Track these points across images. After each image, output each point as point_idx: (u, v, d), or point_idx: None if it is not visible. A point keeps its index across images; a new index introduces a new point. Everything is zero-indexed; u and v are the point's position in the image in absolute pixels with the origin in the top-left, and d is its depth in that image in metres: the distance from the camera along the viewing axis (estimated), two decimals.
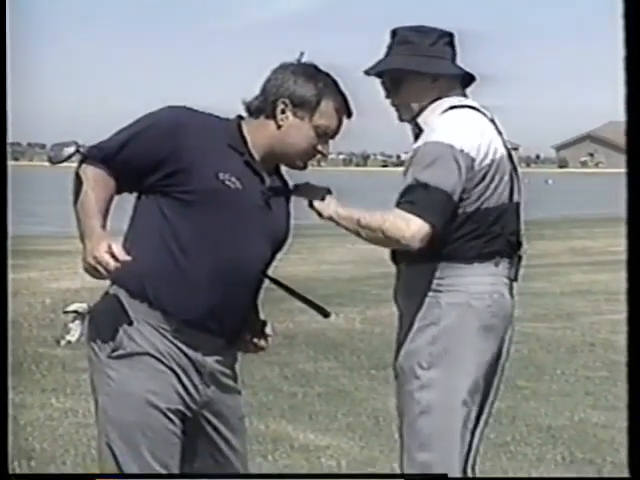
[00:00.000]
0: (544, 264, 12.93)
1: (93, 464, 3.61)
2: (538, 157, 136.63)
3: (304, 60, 2.76)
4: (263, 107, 2.73)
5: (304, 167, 2.80)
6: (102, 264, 2.48)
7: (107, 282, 2.67)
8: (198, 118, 2.70)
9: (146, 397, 2.61)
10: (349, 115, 2.78)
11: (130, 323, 2.63)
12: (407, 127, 3.11)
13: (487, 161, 2.93)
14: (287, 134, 2.72)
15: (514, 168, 3.04)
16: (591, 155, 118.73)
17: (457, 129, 2.91)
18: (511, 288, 3.04)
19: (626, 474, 4.60)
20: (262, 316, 2.86)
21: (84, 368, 2.97)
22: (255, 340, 2.85)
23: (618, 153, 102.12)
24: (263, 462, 4.53)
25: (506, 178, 2.98)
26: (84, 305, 2.73)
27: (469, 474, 3.04)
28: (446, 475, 2.91)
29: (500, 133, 3.02)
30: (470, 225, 2.93)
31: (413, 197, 2.86)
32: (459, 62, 3.06)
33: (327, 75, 2.76)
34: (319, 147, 2.75)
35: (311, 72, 2.73)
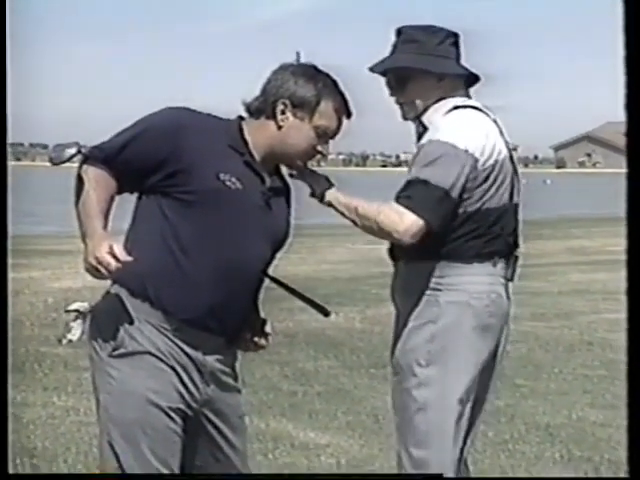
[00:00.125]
0: (542, 264, 12.95)
1: (94, 462, 3.62)
2: (536, 157, 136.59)
3: (302, 60, 2.77)
4: (263, 108, 2.73)
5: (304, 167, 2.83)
6: (103, 264, 2.49)
7: (108, 281, 2.67)
8: (199, 119, 2.71)
9: (147, 396, 2.62)
10: (349, 115, 2.79)
11: (131, 322, 2.64)
12: (406, 127, 3.12)
13: (491, 162, 2.94)
14: (287, 134, 2.72)
15: (514, 169, 3.06)
16: (589, 155, 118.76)
17: (462, 129, 2.93)
18: (507, 288, 3.05)
19: (624, 472, 4.61)
20: (262, 315, 2.87)
21: (86, 367, 2.98)
22: (255, 339, 2.86)
23: (616, 153, 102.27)
24: (263, 460, 4.53)
25: (508, 179, 3.00)
26: (85, 304, 2.74)
27: (462, 469, 3.06)
28: (443, 475, 2.93)
29: (502, 134, 3.04)
30: (471, 225, 2.95)
31: (411, 192, 2.88)
32: (462, 62, 3.07)
33: (327, 76, 2.76)
34: (319, 147, 2.76)
35: (311, 73, 2.74)
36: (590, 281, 11.64)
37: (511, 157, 3.04)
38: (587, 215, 27.45)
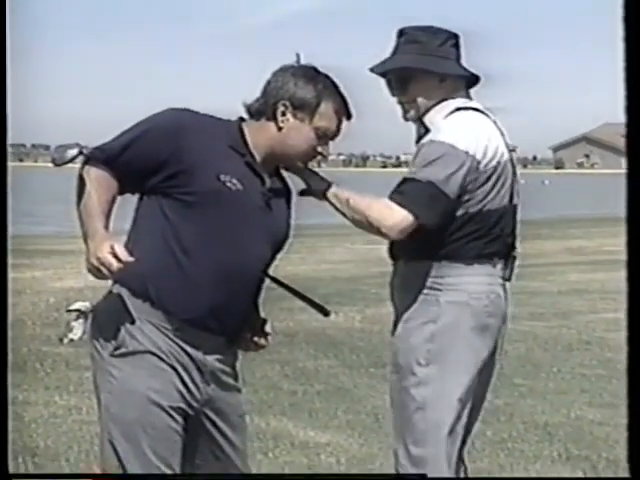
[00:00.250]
0: (541, 263, 12.96)
1: (96, 461, 3.63)
2: (535, 158, 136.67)
3: (302, 62, 2.78)
4: (264, 109, 2.74)
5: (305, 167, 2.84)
6: (105, 265, 2.50)
7: (110, 281, 2.68)
8: (199, 120, 2.72)
9: (148, 395, 2.63)
10: (349, 117, 2.79)
11: (132, 322, 2.65)
12: (406, 129, 3.13)
13: (493, 163, 2.96)
14: (287, 136, 2.73)
15: (513, 171, 3.07)
16: (587, 156, 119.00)
17: (463, 130, 2.94)
18: (505, 288, 3.07)
19: (621, 471, 4.65)
20: (262, 315, 2.88)
21: (87, 366, 2.99)
22: (255, 339, 2.87)
23: (614, 154, 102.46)
24: (263, 459, 4.55)
25: (509, 181, 3.02)
26: (87, 304, 2.75)
27: (460, 467, 3.08)
28: (442, 475, 2.95)
29: (503, 136, 3.05)
30: (472, 226, 2.97)
31: (404, 189, 2.90)
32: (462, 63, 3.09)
33: (327, 77, 2.77)
34: (319, 148, 2.77)
35: (311, 74, 2.75)
36: (588, 281, 11.66)
37: (511, 159, 3.06)
38: (586, 215, 27.47)
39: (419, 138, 3.06)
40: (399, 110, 3.10)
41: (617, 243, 15.17)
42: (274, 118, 2.74)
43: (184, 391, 2.67)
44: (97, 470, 2.80)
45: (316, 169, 3.00)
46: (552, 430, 5.18)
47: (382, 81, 3.12)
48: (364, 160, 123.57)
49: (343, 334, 7.82)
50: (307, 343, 7.39)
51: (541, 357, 7.07)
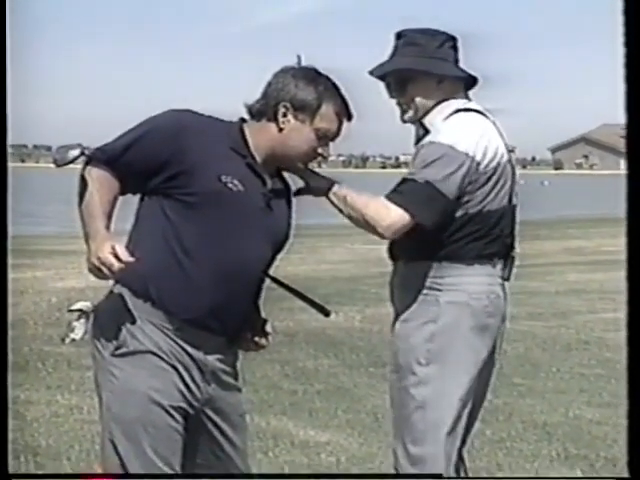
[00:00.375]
0: (540, 264, 12.98)
1: (97, 460, 3.65)
2: (534, 159, 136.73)
3: (303, 63, 2.79)
4: (265, 110, 2.75)
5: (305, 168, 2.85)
6: (106, 265, 2.51)
7: (111, 282, 2.69)
8: (201, 121, 2.73)
9: (149, 394, 2.64)
10: (349, 118, 2.81)
11: (133, 322, 2.66)
12: (406, 130, 3.14)
13: (493, 164, 2.97)
14: (288, 137, 2.74)
15: (512, 171, 3.09)
16: (586, 157, 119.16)
17: (463, 132, 2.96)
18: (504, 288, 3.08)
19: (619, 470, 4.67)
20: (263, 315, 2.89)
21: (88, 366, 3.00)
22: (256, 339, 2.88)
23: (612, 155, 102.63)
24: (264, 458, 4.56)
25: (508, 182, 3.04)
26: (88, 304, 2.76)
27: (459, 465, 3.09)
28: (442, 474, 2.96)
29: (502, 137, 3.07)
30: (472, 226, 2.98)
31: (402, 189, 2.91)
32: (460, 65, 3.10)
33: (327, 78, 2.79)
34: (320, 149, 2.78)
35: (312, 76, 2.76)
36: (587, 281, 11.68)
37: (510, 159, 3.07)
38: (584, 216, 27.48)
39: (418, 140, 3.07)
40: (398, 111, 3.11)
41: (616, 243, 15.21)
42: (275, 119, 2.75)
43: (185, 391, 2.68)
44: (98, 470, 2.82)
45: (316, 169, 3.01)
46: (551, 429, 5.20)
47: (382, 83, 3.14)
48: (364, 161, 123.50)
49: (343, 334, 7.83)
50: (307, 343, 7.40)
51: (540, 357, 7.08)
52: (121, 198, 2.72)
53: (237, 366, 2.83)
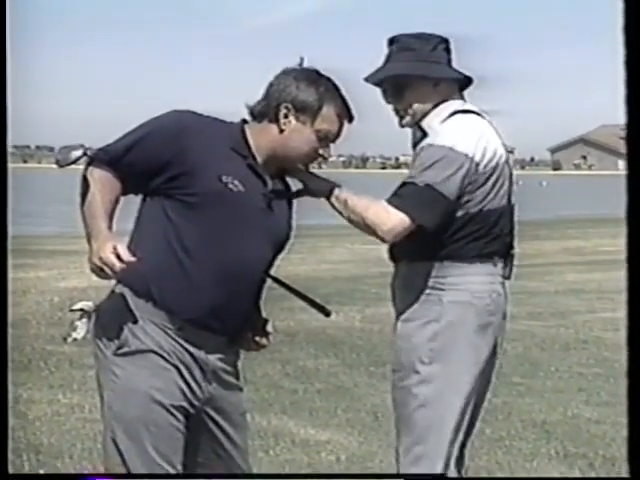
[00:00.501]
0: (539, 264, 12.98)
1: (99, 458, 3.67)
2: (533, 159, 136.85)
3: (305, 65, 2.80)
4: (266, 111, 2.77)
5: (306, 170, 2.86)
6: (108, 264, 2.52)
7: (113, 281, 2.70)
8: (202, 122, 2.75)
9: (150, 393, 2.65)
10: (350, 119, 2.82)
11: (135, 321, 2.67)
12: (406, 130, 3.15)
13: (492, 164, 2.99)
14: (289, 138, 2.76)
15: (510, 172, 3.11)
16: (584, 158, 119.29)
17: (461, 133, 2.97)
18: (505, 286, 3.10)
19: (618, 468, 4.69)
20: (264, 315, 2.90)
21: (90, 365, 3.01)
22: (257, 338, 2.89)
23: (610, 155, 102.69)
24: (264, 457, 4.57)
25: (507, 182, 3.05)
26: (90, 303, 2.77)
27: (460, 463, 3.11)
28: (444, 474, 2.97)
29: (499, 137, 3.08)
30: (473, 226, 3.00)
31: (402, 192, 2.93)
32: (456, 66, 3.12)
33: (328, 80, 2.80)
34: (320, 150, 2.79)
35: (313, 77, 2.78)
36: (586, 281, 11.69)
37: (507, 160, 3.09)
38: (583, 216, 27.50)
39: (415, 142, 3.08)
40: (396, 116, 3.13)
41: (614, 243, 15.21)
42: (276, 120, 2.76)
43: (186, 390, 2.69)
44: (101, 469, 2.83)
45: (317, 171, 3.03)
46: (549, 428, 5.21)
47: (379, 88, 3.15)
48: (364, 161, 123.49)
49: (343, 333, 7.85)
50: (307, 342, 7.42)
51: (539, 356, 7.10)
52: (123, 198, 2.72)
53: (238, 365, 2.84)
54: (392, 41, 3.10)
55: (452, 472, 3.03)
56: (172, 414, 2.66)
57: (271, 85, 2.79)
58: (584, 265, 13.63)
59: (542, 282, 11.36)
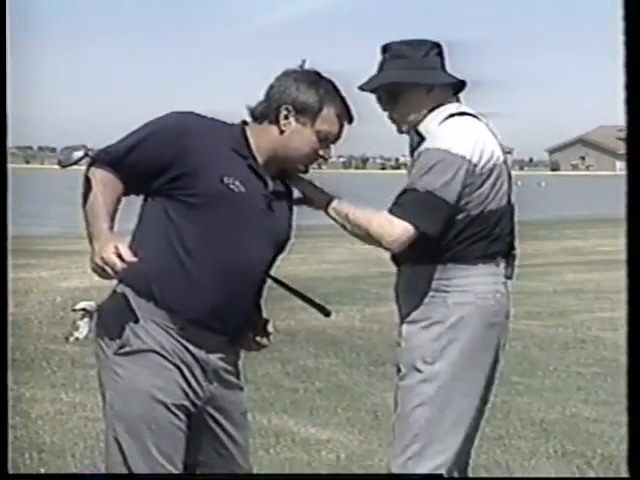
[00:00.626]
0: (538, 264, 12.97)
1: (101, 457, 3.68)
2: (531, 160, 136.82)
3: (306, 67, 2.82)
4: (267, 113, 2.78)
5: (306, 171, 2.87)
6: (109, 264, 2.53)
7: (114, 281, 2.72)
8: (203, 123, 2.76)
9: (151, 393, 2.66)
10: (350, 120, 2.83)
11: (136, 321, 2.69)
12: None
13: (489, 165, 3.00)
14: (290, 139, 2.77)
15: (508, 172, 3.11)
16: (582, 158, 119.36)
17: (458, 136, 2.98)
18: (507, 286, 3.11)
19: (615, 467, 4.71)
20: (264, 315, 2.91)
21: (92, 364, 3.02)
22: (257, 338, 2.90)
23: (608, 156, 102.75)
24: (265, 455, 4.59)
25: (506, 183, 3.06)
26: (92, 303, 2.79)
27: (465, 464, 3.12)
28: (442, 475, 2.97)
29: (496, 138, 3.09)
30: (474, 228, 3.01)
31: (404, 200, 2.94)
32: (453, 70, 3.13)
33: (329, 82, 2.81)
34: (321, 152, 2.81)
35: (313, 79, 2.79)
36: (584, 281, 11.69)
37: (505, 160, 3.09)
38: (581, 216, 27.50)
39: (414, 147, 3.08)
40: (392, 123, 3.12)
41: (612, 243, 15.19)
42: (277, 122, 2.77)
43: (187, 389, 2.71)
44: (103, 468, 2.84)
45: (315, 180, 3.03)
46: (548, 427, 5.23)
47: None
48: (364, 162, 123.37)
49: (343, 333, 7.86)
50: (308, 342, 7.43)
51: (537, 355, 7.12)
52: (124, 199, 2.74)
53: (239, 365, 2.86)
54: (384, 49, 3.11)
55: (453, 471, 3.03)
56: (173, 413, 2.67)
57: (272, 87, 2.81)
58: (582, 265, 13.62)
59: (541, 282, 11.36)
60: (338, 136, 2.83)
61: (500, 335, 3.08)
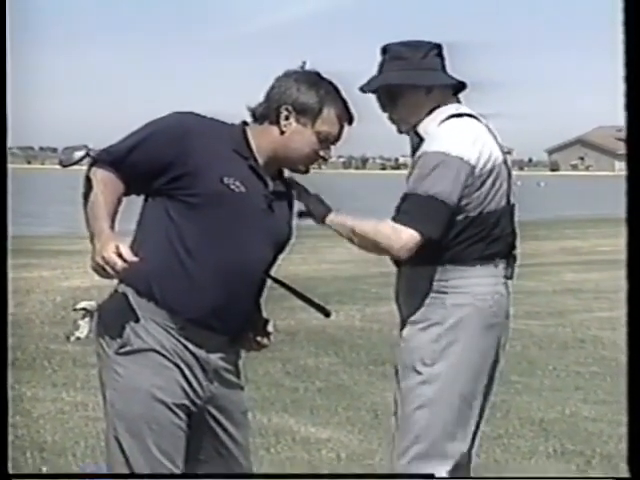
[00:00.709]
0: (537, 263, 12.97)
1: (102, 456, 3.70)
2: (531, 160, 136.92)
3: (307, 68, 2.82)
4: (267, 113, 2.79)
5: (306, 171, 2.88)
6: (110, 264, 2.54)
7: (115, 281, 2.72)
8: (204, 123, 2.77)
9: (152, 392, 2.66)
10: (350, 121, 2.84)
11: (137, 320, 2.69)
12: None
13: (488, 167, 3.00)
14: (290, 140, 2.78)
15: (508, 172, 3.11)
16: (581, 159, 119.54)
17: (456, 137, 2.98)
18: (507, 286, 3.11)
19: (614, 465, 4.73)
20: (265, 315, 2.92)
21: (93, 364, 3.03)
22: (258, 338, 2.91)
23: (607, 156, 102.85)
24: (266, 455, 4.60)
25: (505, 183, 3.06)
26: (93, 303, 2.80)
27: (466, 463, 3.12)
28: (443, 475, 2.98)
29: (496, 139, 3.09)
30: (473, 229, 3.01)
31: (406, 207, 2.94)
32: (453, 71, 3.14)
33: (329, 82, 2.82)
34: (321, 152, 2.82)
35: (313, 80, 2.80)
36: (583, 280, 11.69)
37: (505, 160, 3.10)
38: (580, 216, 27.52)
39: (414, 148, 3.09)
40: (392, 124, 3.13)
41: (611, 243, 15.16)
42: (277, 122, 2.78)
43: (187, 388, 2.71)
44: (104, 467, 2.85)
45: (319, 195, 3.04)
46: (547, 426, 5.24)
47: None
48: (363, 162, 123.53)
49: (343, 332, 7.87)
50: (308, 341, 7.44)
51: (537, 355, 7.13)
52: (125, 199, 2.75)
53: (239, 364, 2.86)
54: (384, 50, 3.11)
55: (454, 471, 3.04)
56: (174, 412, 2.68)
57: (272, 87, 2.81)
58: (581, 265, 13.63)
59: (540, 282, 11.36)
60: (338, 137, 2.84)
61: (500, 336, 3.09)
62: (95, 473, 3.50)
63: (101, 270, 2.57)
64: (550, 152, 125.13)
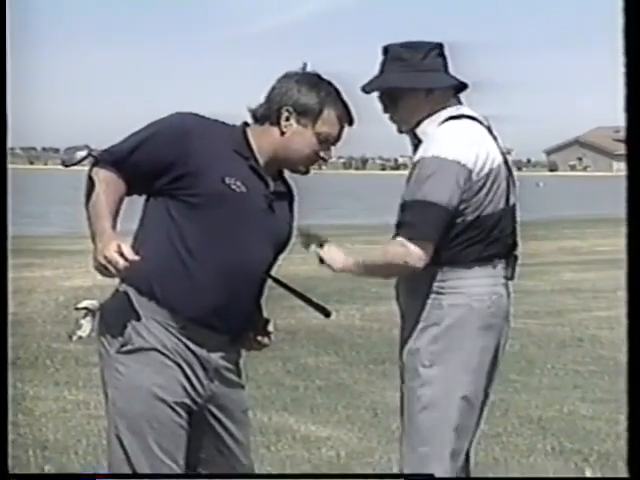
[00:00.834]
0: (536, 263, 12.96)
1: (103, 454, 3.71)
2: (529, 161, 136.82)
3: (308, 69, 2.84)
4: (268, 114, 2.80)
5: (307, 172, 2.89)
6: (112, 263, 2.54)
7: (117, 280, 2.74)
8: (205, 124, 2.78)
9: (153, 390, 2.67)
10: (350, 122, 2.85)
11: (138, 320, 2.70)
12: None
13: (485, 170, 2.99)
14: (291, 140, 2.79)
15: (509, 172, 3.11)
16: (579, 159, 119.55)
17: (454, 141, 2.97)
18: (507, 287, 3.11)
19: (612, 463, 4.75)
20: (265, 314, 2.93)
21: (95, 362, 3.02)
22: (258, 338, 2.92)
23: (605, 157, 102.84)
24: (266, 453, 4.62)
25: (503, 184, 3.05)
26: (95, 302, 2.80)
27: (464, 463, 3.13)
28: (442, 475, 2.99)
29: (496, 140, 3.09)
30: (470, 232, 3.01)
31: (410, 219, 2.94)
32: (453, 71, 3.13)
33: (329, 84, 2.83)
34: (321, 153, 2.83)
35: (314, 81, 2.82)
36: (581, 280, 11.69)
37: (506, 161, 3.09)
38: (579, 216, 27.51)
39: (415, 148, 3.08)
40: (393, 124, 3.14)
41: (609, 243, 15.11)
42: (278, 123, 2.79)
43: (188, 387, 2.72)
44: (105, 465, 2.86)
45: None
46: (546, 424, 5.25)
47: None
48: (363, 163, 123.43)
49: (343, 331, 7.89)
50: (308, 340, 7.46)
51: (535, 354, 7.14)
52: (127, 199, 2.76)
53: (240, 363, 2.87)
54: (385, 51, 3.11)
55: (458, 472, 3.06)
56: (175, 411, 2.69)
57: (273, 88, 2.83)
58: (580, 264, 13.61)
59: (539, 281, 11.35)
60: (338, 138, 2.86)
61: (499, 336, 3.09)
62: (95, 473, 3.51)
63: (103, 269, 2.58)
64: (548, 153, 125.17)
